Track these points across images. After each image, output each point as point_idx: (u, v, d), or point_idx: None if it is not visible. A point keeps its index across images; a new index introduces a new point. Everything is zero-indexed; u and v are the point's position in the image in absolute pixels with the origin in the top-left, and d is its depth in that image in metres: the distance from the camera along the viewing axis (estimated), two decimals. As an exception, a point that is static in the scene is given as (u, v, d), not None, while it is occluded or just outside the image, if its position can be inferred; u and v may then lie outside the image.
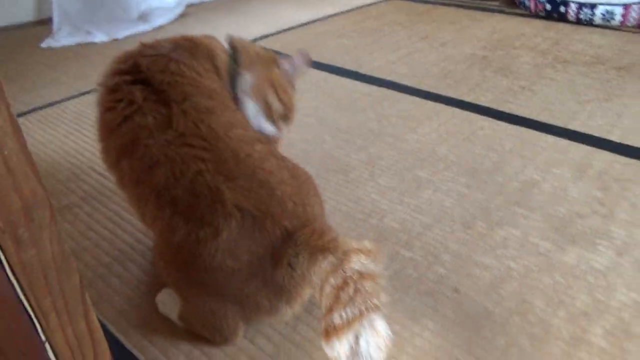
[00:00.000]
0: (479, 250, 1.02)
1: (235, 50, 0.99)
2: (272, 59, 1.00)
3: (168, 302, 0.90)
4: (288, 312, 0.79)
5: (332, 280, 0.63)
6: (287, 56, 1.02)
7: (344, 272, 0.63)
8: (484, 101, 1.64)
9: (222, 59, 0.95)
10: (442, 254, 1.02)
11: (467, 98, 1.67)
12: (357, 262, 0.64)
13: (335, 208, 1.17)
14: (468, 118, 1.55)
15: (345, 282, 0.62)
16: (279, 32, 2.41)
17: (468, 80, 1.81)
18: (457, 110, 1.59)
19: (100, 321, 0.91)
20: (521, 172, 1.27)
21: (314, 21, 2.56)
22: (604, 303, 0.89)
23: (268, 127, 0.99)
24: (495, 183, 1.23)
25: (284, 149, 1.36)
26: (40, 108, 1.75)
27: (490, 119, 1.53)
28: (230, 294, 0.77)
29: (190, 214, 0.74)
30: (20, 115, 1.70)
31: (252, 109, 0.96)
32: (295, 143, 1.45)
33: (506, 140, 1.41)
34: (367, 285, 0.62)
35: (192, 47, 0.91)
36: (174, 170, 0.76)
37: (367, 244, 0.68)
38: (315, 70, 1.94)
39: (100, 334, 0.54)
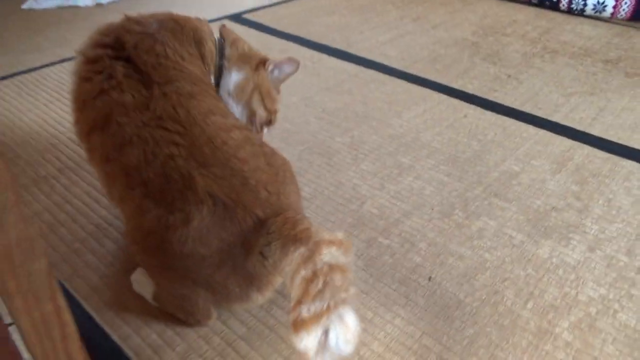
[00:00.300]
0: (455, 239, 1.04)
1: (224, 41, 0.97)
2: (260, 60, 0.97)
3: (142, 282, 0.89)
4: (259, 300, 0.80)
5: (302, 272, 0.63)
6: (275, 60, 0.99)
7: (314, 264, 0.63)
8: (470, 89, 1.64)
9: (209, 48, 0.92)
10: (418, 242, 1.03)
11: (455, 84, 1.66)
12: (328, 254, 0.64)
13: (317, 192, 1.17)
14: (453, 105, 1.54)
15: (314, 275, 0.62)
16: (270, 5, 2.36)
17: (457, 66, 1.80)
18: (443, 97, 1.59)
19: (73, 297, 0.91)
20: (501, 162, 1.28)
21: (305, -4, 2.51)
22: (572, 297, 0.91)
23: None
24: (476, 173, 1.24)
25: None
26: (20, 73, 1.70)
27: (475, 107, 1.53)
28: (201, 280, 0.77)
29: (161, 198, 0.73)
30: (-3, 80, 1.65)
31: (234, 111, 0.95)
32: (279, 123, 1.43)
33: (489, 130, 1.42)
34: (337, 278, 0.62)
35: (178, 29, 0.89)
36: (146, 152, 0.75)
37: (340, 235, 0.68)
38: (304, 47, 1.91)
39: (68, 317, 0.54)
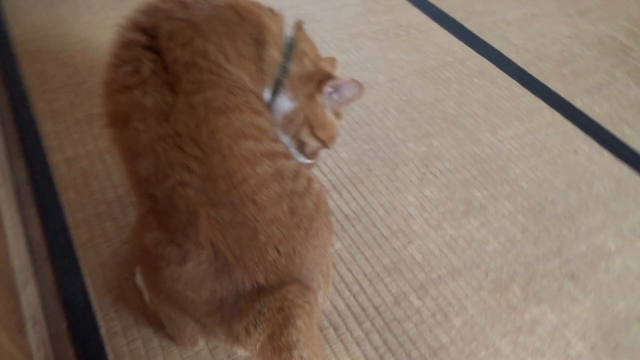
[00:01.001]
0: (498, 326, 0.87)
1: (294, 45, 0.79)
2: (318, 82, 0.79)
3: (144, 278, 0.85)
4: (246, 354, 0.72)
5: None
6: (335, 82, 0.78)
7: None
8: (596, 113, 1.34)
9: (272, 55, 0.74)
10: (454, 316, 0.88)
11: (578, 102, 1.37)
12: None
13: (363, 211, 1.03)
14: (565, 132, 1.27)
15: None
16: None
17: (589, 75, 1.47)
18: (556, 116, 1.31)
19: (79, 270, 0.88)
20: (596, 232, 1.04)
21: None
22: None
23: (300, 159, 0.86)
24: (559, 237, 1.02)
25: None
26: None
27: (592, 140, 1.25)
28: (189, 314, 0.70)
29: (164, 222, 0.65)
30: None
31: (282, 140, 0.81)
32: (354, 107, 1.26)
33: (598, 178, 1.16)
34: None
35: (235, 22, 0.73)
36: (158, 170, 0.65)
37: None
38: (414, 8, 1.65)
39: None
